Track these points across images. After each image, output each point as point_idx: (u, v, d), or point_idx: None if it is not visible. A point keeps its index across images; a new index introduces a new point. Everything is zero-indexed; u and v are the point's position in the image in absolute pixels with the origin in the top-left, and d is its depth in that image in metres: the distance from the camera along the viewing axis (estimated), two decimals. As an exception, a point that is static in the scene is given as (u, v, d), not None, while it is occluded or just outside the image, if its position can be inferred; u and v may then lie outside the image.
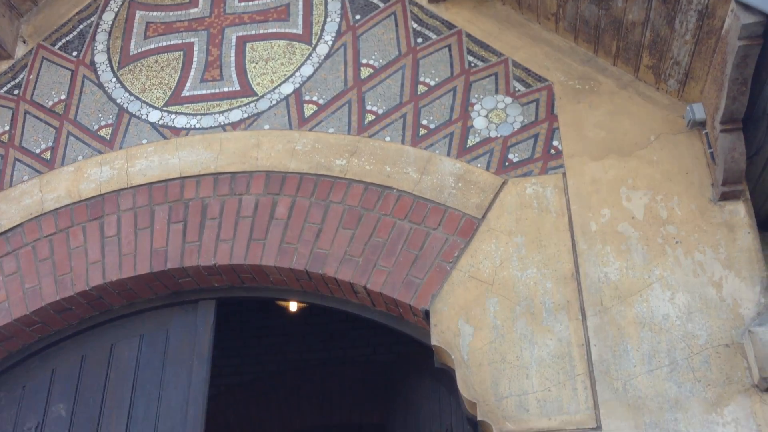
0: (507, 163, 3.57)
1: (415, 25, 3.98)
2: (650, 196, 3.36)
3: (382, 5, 4.07)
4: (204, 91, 4.01)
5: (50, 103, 4.14)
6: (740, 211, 3.24)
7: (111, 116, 4.03)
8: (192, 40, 4.18)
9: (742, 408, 2.86)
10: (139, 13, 4.32)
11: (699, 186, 3.34)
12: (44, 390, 3.60)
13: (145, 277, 3.61)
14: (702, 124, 3.36)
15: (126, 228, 3.69)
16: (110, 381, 3.57)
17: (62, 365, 3.66)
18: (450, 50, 3.88)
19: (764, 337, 2.83)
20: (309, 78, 3.94)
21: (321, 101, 3.86)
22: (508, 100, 3.71)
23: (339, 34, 4.03)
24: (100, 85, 4.13)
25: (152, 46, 4.20)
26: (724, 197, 3.23)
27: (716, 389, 2.91)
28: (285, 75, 3.97)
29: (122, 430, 3.45)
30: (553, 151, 3.55)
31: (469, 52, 3.86)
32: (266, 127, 3.86)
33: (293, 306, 5.69)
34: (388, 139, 3.72)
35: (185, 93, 4.02)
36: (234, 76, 4.02)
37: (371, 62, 3.93)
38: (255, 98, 3.94)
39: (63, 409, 3.54)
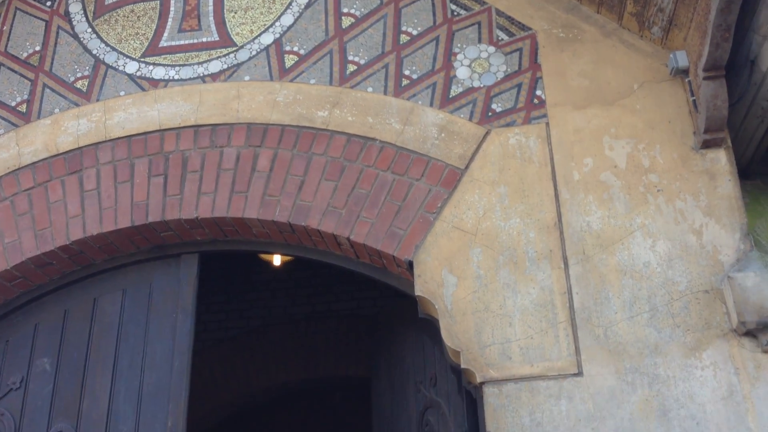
0: (490, 114, 3.55)
1: (396, -27, 3.91)
2: (633, 144, 3.36)
3: (363, -47, 3.99)
4: (182, 42, 3.93)
5: (24, 54, 4.05)
6: (721, 159, 3.25)
7: (87, 68, 3.95)
8: (169, -11, 4.08)
9: (720, 352, 2.91)
10: (113, -38, 4.20)
11: (681, 134, 3.34)
12: (27, 344, 3.59)
13: (126, 231, 3.59)
14: (685, 72, 3.34)
15: (105, 182, 3.65)
16: (94, 335, 3.57)
17: (45, 320, 3.64)
18: (432, -2, 3.83)
19: (743, 282, 2.87)
20: (289, 28, 3.87)
21: (302, 51, 3.81)
22: (491, 49, 3.67)
23: (319, -18, 3.95)
24: (75, 36, 4.04)
25: (128, -4, 4.10)
26: (706, 145, 3.24)
27: (695, 334, 2.96)
28: (265, 25, 3.90)
29: (108, 382, 3.46)
30: (536, 100, 3.54)
31: (452, 0, 3.81)
32: (246, 78, 3.80)
33: (277, 261, 5.69)
34: (370, 89, 3.68)
35: (163, 44, 3.94)
36: (212, 26, 3.95)
37: (352, 11, 3.86)
38: (234, 49, 3.87)
39: (47, 363, 3.54)
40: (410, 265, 3.34)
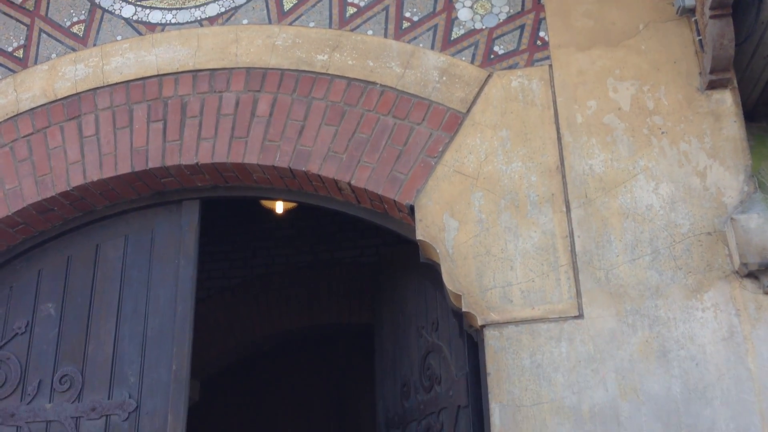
0: (492, 56, 3.49)
1: None
2: (637, 86, 3.31)
3: None
4: (179, -16, 3.86)
5: (20, -1, 3.98)
6: (727, 100, 3.20)
7: (83, 12, 3.89)
8: (164, -70, 3.99)
9: (721, 294, 2.91)
10: None
11: (686, 75, 3.29)
12: (32, 290, 3.61)
13: (126, 176, 3.57)
14: (692, 11, 3.27)
15: (104, 127, 3.62)
16: (97, 280, 3.59)
17: (48, 266, 3.66)
18: (434, -62, 3.73)
19: (746, 224, 2.85)
20: (288, -31, 3.79)
21: (301, -6, 3.73)
22: (494, -11, 3.60)
23: None
24: (70, -21, 3.97)
25: (123, -62, 4.01)
26: (712, 86, 3.19)
27: (697, 276, 2.96)
28: (263, -34, 3.82)
29: (112, 327, 3.49)
30: (539, 42, 3.47)
31: (454, -61, 3.71)
32: (245, 21, 3.74)
33: (280, 208, 5.68)
34: (370, 32, 3.62)
35: (159, -14, 3.87)
36: (210, -32, 3.87)
37: (352, -48, 3.77)
38: (232, -9, 3.80)
39: (52, 308, 3.56)
40: (411, 209, 3.32)
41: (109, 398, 3.38)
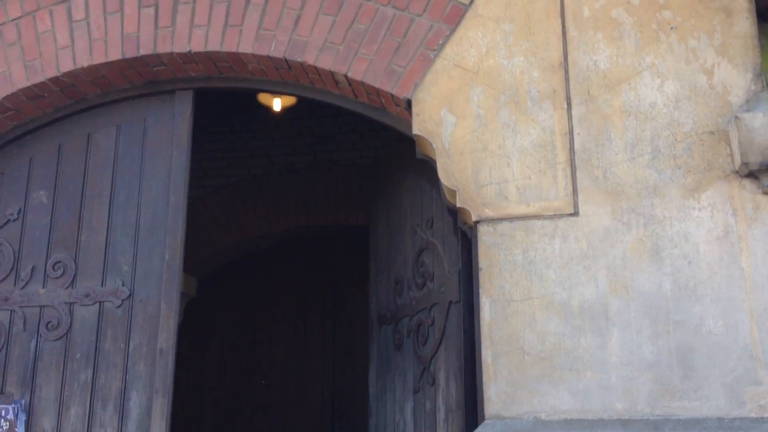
0: (498, -56, 3.33)
1: None
2: (648, -21, 3.17)
3: None
4: None
5: None
6: (740, -5, 3.07)
7: None
8: None
9: (719, 193, 2.87)
10: None
11: (700, -32, 3.14)
12: (23, 177, 3.58)
13: (117, 63, 3.48)
14: None
15: (94, 11, 3.51)
16: (89, 169, 3.55)
17: (40, 153, 3.62)
18: None
19: (750, 122, 2.78)
20: None
21: None
22: None
23: None
24: None
25: None
26: (725, -21, 3.06)
27: (696, 175, 2.91)
28: None
29: (104, 216, 3.48)
30: (548, -70, 3.31)
31: None
32: None
33: (277, 105, 5.58)
34: None
35: None
36: None
37: None
38: None
39: (44, 196, 3.54)
40: (409, 103, 3.25)
41: (102, 285, 3.40)
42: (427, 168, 3.52)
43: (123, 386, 3.29)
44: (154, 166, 3.51)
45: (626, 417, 2.72)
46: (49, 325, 3.38)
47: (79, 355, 3.34)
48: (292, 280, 6.05)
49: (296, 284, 6.03)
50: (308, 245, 6.10)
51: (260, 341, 5.97)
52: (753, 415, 2.64)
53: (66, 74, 3.48)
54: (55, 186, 3.55)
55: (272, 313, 6.01)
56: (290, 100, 5.63)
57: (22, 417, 3.30)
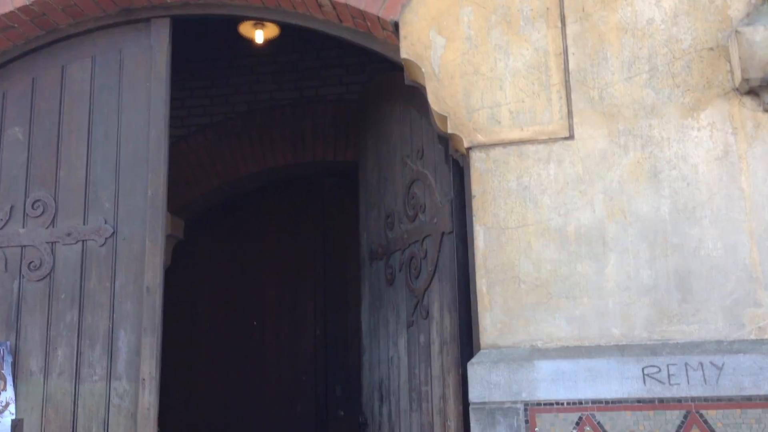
0: None
1: None
2: None
3: None
4: None
5: None
6: None
7: None
8: None
9: (719, 112, 2.77)
10: None
11: None
12: (-3, 113, 3.45)
13: (89, -10, 3.32)
14: None
15: (62, -65, 3.32)
16: (65, 103, 3.41)
17: (13, 88, 3.47)
18: None
19: (751, 37, 2.67)
20: None
21: None
22: None
23: None
24: None
25: None
26: None
27: (695, 94, 2.80)
28: None
29: (83, 152, 3.36)
30: None
31: None
32: None
33: (260, 38, 5.39)
34: None
35: None
36: None
37: None
38: None
39: (19, 132, 3.41)
40: (396, 26, 3.11)
41: (84, 224, 3.30)
42: (417, 96, 3.40)
43: (110, 326, 3.22)
44: (132, 98, 3.37)
45: (624, 342, 2.68)
46: (32, 266, 3.28)
47: (63, 296, 3.26)
48: (281, 220, 5.95)
49: (285, 224, 5.94)
50: (296, 184, 5.99)
51: (251, 283, 5.92)
52: (752, 337, 2.60)
53: (35, 2, 3.31)
54: (31, 121, 3.41)
55: (262, 254, 5.94)
56: (273, 31, 5.43)
57: (9, 359, 3.24)
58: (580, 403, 2.63)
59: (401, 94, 3.80)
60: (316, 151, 5.64)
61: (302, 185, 5.98)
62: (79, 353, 3.20)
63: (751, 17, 2.77)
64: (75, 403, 3.17)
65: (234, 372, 5.80)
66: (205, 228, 5.99)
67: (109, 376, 3.16)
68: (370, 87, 4.33)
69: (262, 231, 5.96)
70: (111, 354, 3.19)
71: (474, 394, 2.73)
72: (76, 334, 3.22)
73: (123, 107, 3.37)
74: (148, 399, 3.11)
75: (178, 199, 5.60)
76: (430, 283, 3.42)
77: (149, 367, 3.14)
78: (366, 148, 4.39)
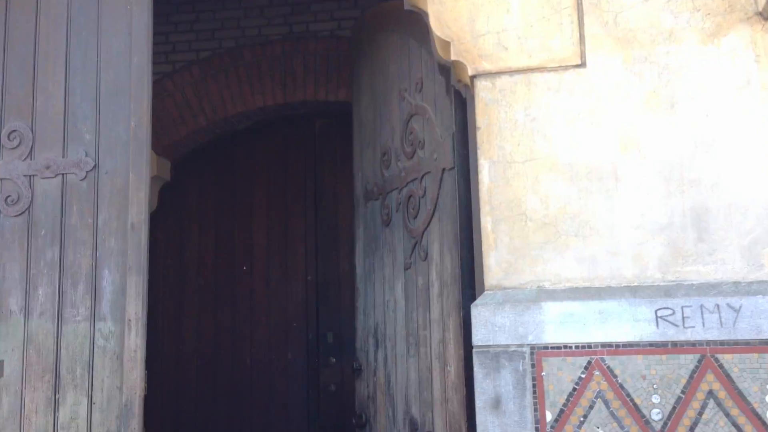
0: None
1: None
2: None
3: None
4: None
5: None
6: None
7: None
8: None
9: (741, 37, 2.59)
10: None
11: None
12: (-34, 38, 3.22)
13: None
14: None
15: None
16: (41, 27, 3.17)
17: (-17, 18, 3.24)
18: None
19: (781, -44, 2.48)
20: None
21: None
22: None
23: None
24: None
25: None
26: None
27: (716, 18, 2.62)
28: None
29: (61, 80, 3.14)
30: None
31: None
32: None
33: (247, -32, 5.13)
34: None
35: None
36: None
37: None
38: None
39: (-9, 60, 3.19)
40: (396, -54, 2.90)
41: (63, 156, 3.11)
42: (416, 25, 3.20)
43: (94, 264, 3.05)
44: (112, 23, 3.14)
45: (636, 283, 2.55)
46: (9, 200, 3.10)
47: (44, 232, 3.09)
48: (272, 161, 5.76)
49: (276, 166, 5.74)
50: (287, 124, 5.77)
51: (239, 226, 5.75)
52: (770, 276, 2.47)
53: None
54: (4, 47, 3.18)
55: (251, 196, 5.75)
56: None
57: (-13, 298, 3.08)
58: (590, 346, 2.51)
59: (398, 23, 3.59)
60: (307, 89, 5.42)
61: (293, 125, 5.77)
62: (61, 292, 3.05)
63: (780, -57, 2.57)
64: (58, 344, 3.02)
65: (223, 316, 5.68)
66: (191, 169, 5.80)
67: (93, 316, 3.01)
68: (364, 17, 4.11)
69: (251, 172, 5.77)
70: (95, 293, 3.03)
71: (477, 337, 2.60)
72: (58, 273, 3.06)
73: (102, 32, 3.15)
74: (135, 341, 2.97)
75: (164, 139, 5.40)
76: (429, 222, 3.27)
77: (135, 308, 3.00)
78: (360, 83, 4.19)
